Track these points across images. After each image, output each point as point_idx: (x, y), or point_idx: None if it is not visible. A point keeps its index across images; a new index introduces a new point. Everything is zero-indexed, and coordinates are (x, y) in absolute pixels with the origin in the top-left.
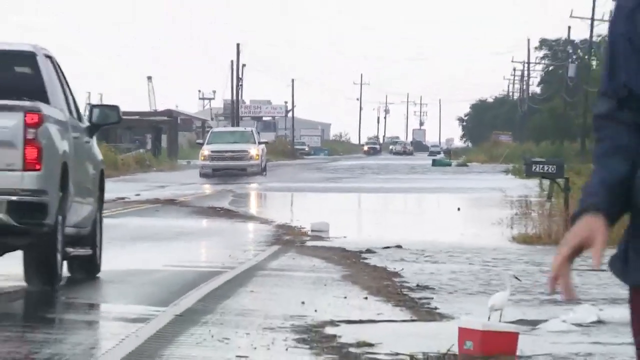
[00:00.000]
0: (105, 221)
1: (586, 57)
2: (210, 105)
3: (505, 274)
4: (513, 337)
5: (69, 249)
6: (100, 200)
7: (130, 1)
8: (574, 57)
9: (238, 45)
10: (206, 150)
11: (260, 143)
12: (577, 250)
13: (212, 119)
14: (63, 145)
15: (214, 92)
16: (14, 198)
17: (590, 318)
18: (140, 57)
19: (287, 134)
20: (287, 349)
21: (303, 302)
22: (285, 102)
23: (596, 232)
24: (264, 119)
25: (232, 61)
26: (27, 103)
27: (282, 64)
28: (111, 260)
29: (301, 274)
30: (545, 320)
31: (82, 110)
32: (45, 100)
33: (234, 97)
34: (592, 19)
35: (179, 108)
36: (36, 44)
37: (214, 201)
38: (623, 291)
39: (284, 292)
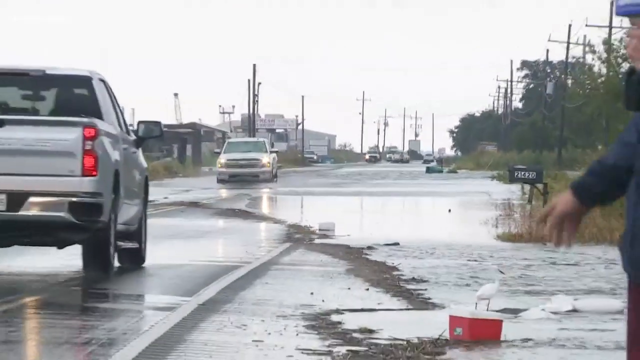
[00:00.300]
0: None
1: (562, 76)
2: (229, 118)
3: (492, 268)
4: (498, 324)
5: (120, 243)
6: (145, 202)
7: (156, 26)
8: (552, 76)
9: (254, 65)
10: (223, 158)
11: (271, 152)
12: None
13: (231, 131)
14: (115, 155)
15: (233, 107)
16: (74, 199)
17: (566, 307)
18: (167, 75)
19: (298, 144)
20: (297, 334)
21: (312, 293)
22: (296, 116)
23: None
24: (277, 131)
25: (249, 80)
26: (84, 119)
27: (293, 81)
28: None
29: (310, 268)
30: (526, 309)
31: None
32: (100, 117)
33: (251, 112)
34: (568, 43)
35: (202, 121)
36: (92, 69)
37: (232, 204)
38: (596, 283)
39: (295, 284)
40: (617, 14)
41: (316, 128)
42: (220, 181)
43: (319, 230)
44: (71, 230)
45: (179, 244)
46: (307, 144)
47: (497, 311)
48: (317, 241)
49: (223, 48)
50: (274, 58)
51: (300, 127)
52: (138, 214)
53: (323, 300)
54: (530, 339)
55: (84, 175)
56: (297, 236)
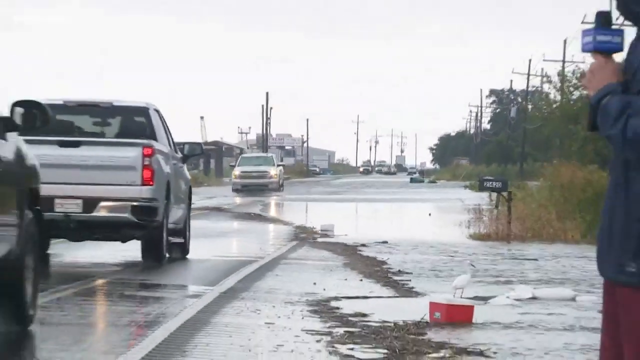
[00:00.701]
0: None
1: (524, 102)
2: (246, 137)
3: (465, 262)
4: (470, 309)
5: (170, 238)
6: (189, 206)
7: (183, 61)
8: (515, 102)
9: (267, 93)
10: (237, 170)
11: (278, 165)
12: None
13: (247, 148)
14: (166, 169)
15: (250, 127)
16: (135, 203)
17: (526, 295)
18: (194, 100)
19: (303, 159)
20: (302, 318)
21: (315, 283)
22: (302, 135)
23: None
24: (286, 147)
25: (262, 105)
26: (143, 141)
27: (300, 106)
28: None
29: (313, 262)
30: (494, 297)
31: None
32: (155, 139)
33: (264, 132)
34: (528, 74)
35: (223, 139)
36: (149, 101)
37: (247, 209)
38: (551, 275)
39: (301, 276)
40: (582, 50)
41: (318, 145)
42: (234, 190)
43: (321, 230)
44: (133, 228)
45: (204, 242)
46: (311, 159)
47: (469, 298)
48: (319, 240)
49: (241, 77)
50: (284, 85)
51: (305, 144)
52: (184, 216)
53: (324, 289)
54: (497, 322)
55: (143, 184)
56: (302, 235)
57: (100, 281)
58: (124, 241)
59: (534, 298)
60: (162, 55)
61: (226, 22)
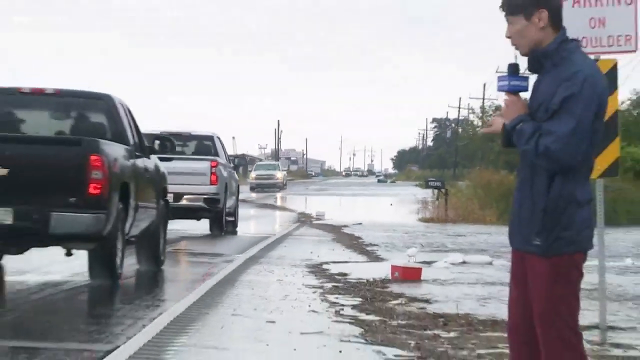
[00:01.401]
0: None
1: (456, 127)
2: (264, 151)
3: (417, 238)
4: (419, 270)
5: (227, 218)
6: (237, 198)
7: (216, 94)
8: (450, 127)
9: (278, 121)
10: (253, 174)
11: (283, 170)
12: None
13: (265, 158)
14: (225, 174)
15: (266, 144)
16: (206, 196)
17: (458, 260)
18: (227, 124)
19: (303, 166)
20: (303, 276)
21: (311, 252)
22: (302, 150)
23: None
24: (292, 158)
25: (275, 129)
26: (210, 157)
27: (302, 127)
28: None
29: (310, 238)
30: (435, 261)
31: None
32: (217, 155)
33: (276, 147)
34: (459, 107)
35: (248, 153)
36: (214, 132)
37: (265, 200)
38: (475, 247)
39: (301, 247)
40: (498, 90)
41: (314, 156)
42: (251, 189)
43: (316, 215)
44: (205, 211)
45: None
46: (309, 166)
47: (419, 262)
48: (314, 222)
49: (260, 108)
50: (291, 114)
51: (304, 156)
52: (234, 204)
53: (318, 256)
54: (437, 279)
55: (211, 184)
56: (303, 219)
57: (170, 249)
58: (198, 219)
59: (463, 262)
60: (203, 85)
61: (245, 61)
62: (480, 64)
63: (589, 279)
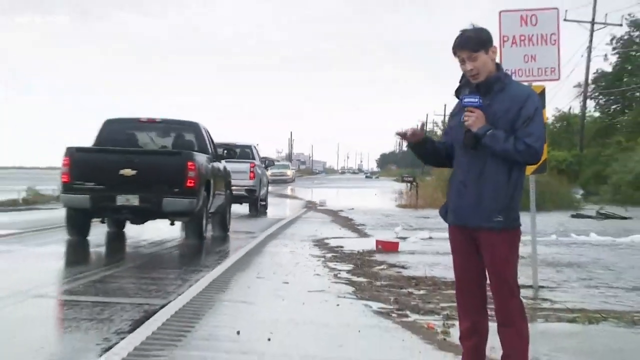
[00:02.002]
0: None
1: None
2: (280, 155)
3: (394, 219)
4: (397, 244)
5: (261, 202)
6: (267, 188)
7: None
8: None
9: (291, 132)
10: (269, 171)
11: (292, 169)
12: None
13: (280, 161)
14: (259, 172)
15: (282, 149)
16: (247, 187)
17: (426, 236)
18: (249, 135)
19: (310, 166)
20: (309, 248)
21: (316, 230)
22: (309, 154)
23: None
24: (301, 160)
25: (288, 138)
26: (249, 160)
27: (309, 136)
28: (261, 210)
29: (315, 219)
30: (409, 237)
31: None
32: (254, 158)
33: (290, 152)
34: (426, 122)
35: (268, 156)
36: (252, 142)
37: (280, 191)
38: (439, 225)
39: (309, 226)
40: (464, 105)
41: (318, 158)
42: (268, 183)
43: (319, 203)
44: (246, 198)
45: None
46: (314, 166)
47: (398, 238)
48: (318, 208)
49: (276, 122)
50: (301, 125)
51: (310, 158)
52: (266, 192)
53: (321, 233)
54: (410, 250)
55: (249, 180)
56: (309, 205)
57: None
58: (241, 204)
59: (430, 238)
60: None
61: (259, 89)
62: (441, 87)
63: (523, 250)
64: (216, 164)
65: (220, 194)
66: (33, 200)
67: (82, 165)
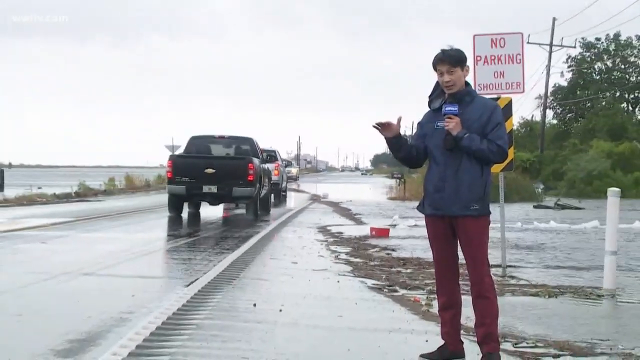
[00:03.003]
0: None
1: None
2: (289, 155)
3: (386, 210)
4: (388, 230)
5: (282, 193)
6: (286, 182)
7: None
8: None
9: (299, 137)
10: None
11: (295, 167)
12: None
13: (290, 161)
14: (282, 170)
15: (292, 151)
16: (274, 181)
17: (412, 223)
18: (263, 141)
19: (314, 165)
20: (314, 234)
21: (320, 219)
22: (314, 155)
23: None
24: (307, 160)
25: (297, 142)
26: (274, 162)
27: (314, 139)
28: (282, 199)
29: (319, 210)
30: (398, 224)
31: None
32: (277, 160)
33: (298, 153)
34: (412, 128)
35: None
36: (273, 147)
37: (290, 186)
38: (420, 215)
39: (313, 215)
40: (445, 113)
41: (321, 158)
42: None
43: (322, 196)
44: (273, 190)
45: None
46: (318, 165)
47: (389, 225)
48: (322, 200)
49: (287, 129)
50: (308, 130)
51: (315, 158)
52: (286, 186)
53: (324, 221)
54: (399, 235)
55: (275, 175)
56: (314, 198)
57: (231, 219)
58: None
59: (415, 225)
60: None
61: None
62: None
63: (493, 235)
64: (264, 165)
65: (266, 186)
66: (84, 194)
67: (180, 166)
